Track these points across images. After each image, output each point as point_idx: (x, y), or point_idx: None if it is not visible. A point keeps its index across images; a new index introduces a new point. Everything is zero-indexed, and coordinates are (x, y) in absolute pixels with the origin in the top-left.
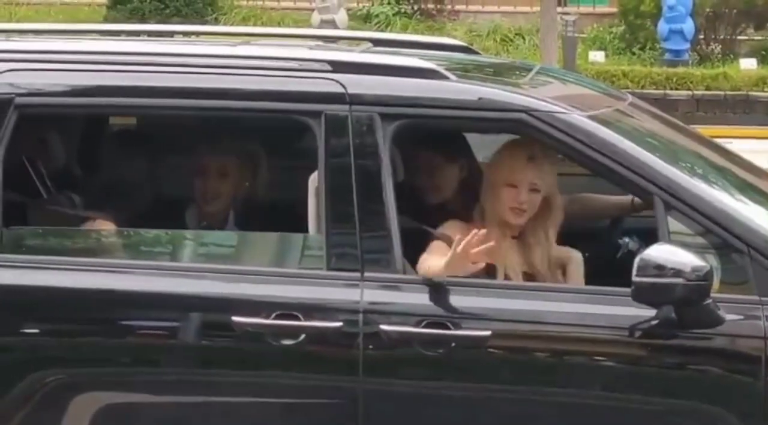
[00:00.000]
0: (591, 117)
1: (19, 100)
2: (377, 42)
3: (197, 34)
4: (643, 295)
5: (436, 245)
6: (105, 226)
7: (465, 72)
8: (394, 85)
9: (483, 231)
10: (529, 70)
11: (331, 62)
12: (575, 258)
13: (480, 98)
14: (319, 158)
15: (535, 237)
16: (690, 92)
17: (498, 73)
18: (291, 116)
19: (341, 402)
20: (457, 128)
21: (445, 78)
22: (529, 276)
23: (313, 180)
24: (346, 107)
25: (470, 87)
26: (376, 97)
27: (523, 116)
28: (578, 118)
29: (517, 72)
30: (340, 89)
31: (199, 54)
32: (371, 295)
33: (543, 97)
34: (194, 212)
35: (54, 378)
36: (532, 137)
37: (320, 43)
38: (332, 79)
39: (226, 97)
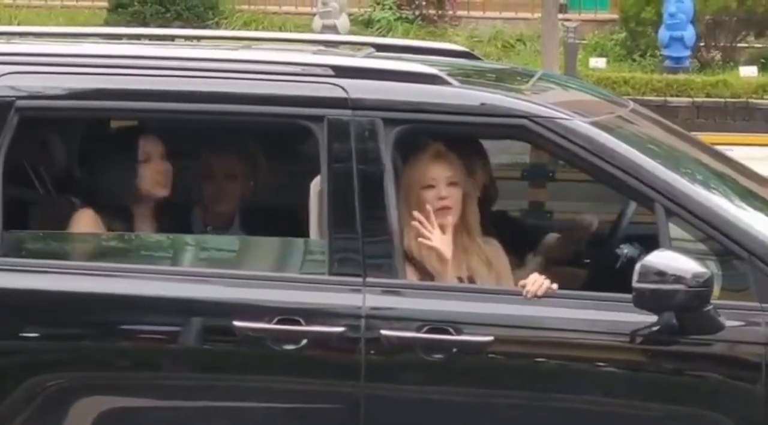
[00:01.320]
0: (593, 123)
1: (19, 103)
2: (379, 47)
3: (198, 38)
4: (644, 301)
5: None
6: (86, 216)
7: (467, 78)
8: (396, 90)
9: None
10: (531, 76)
11: (333, 67)
12: (496, 248)
13: (482, 104)
14: (321, 162)
15: (461, 240)
16: (690, 99)
17: (500, 79)
18: (293, 120)
19: (343, 407)
20: (459, 133)
21: (447, 83)
22: (469, 279)
23: (315, 185)
24: (349, 111)
25: (472, 93)
26: (378, 103)
27: (525, 121)
28: (580, 124)
29: (519, 78)
30: (343, 94)
31: (201, 58)
32: (373, 300)
33: (545, 103)
34: (199, 215)
35: (55, 381)
36: (534, 143)
37: (322, 47)
38: (334, 84)
39: (228, 102)
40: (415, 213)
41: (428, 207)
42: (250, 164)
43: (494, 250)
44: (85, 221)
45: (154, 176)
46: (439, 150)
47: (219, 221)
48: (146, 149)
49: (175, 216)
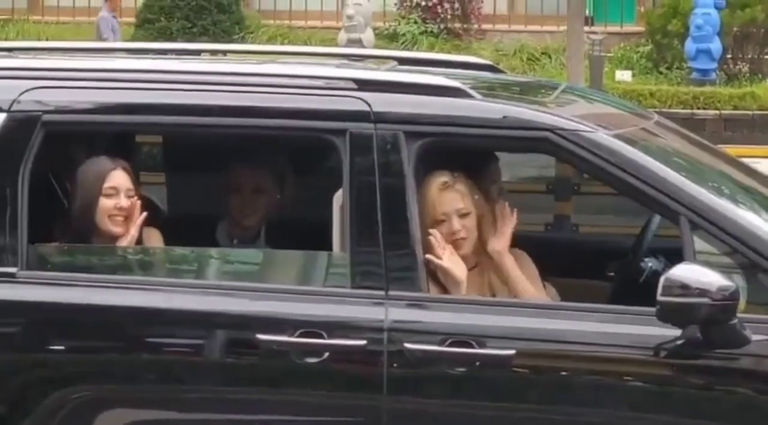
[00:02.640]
0: (616, 136)
1: (46, 117)
2: (402, 61)
3: (224, 52)
4: (669, 315)
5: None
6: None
7: (490, 91)
8: (419, 103)
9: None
10: (555, 88)
11: (356, 80)
12: (524, 259)
13: (505, 117)
14: (343, 176)
15: (480, 259)
16: (717, 112)
17: (523, 91)
18: (316, 134)
19: (365, 421)
20: (482, 146)
21: (470, 97)
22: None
23: (338, 198)
24: (371, 125)
25: (495, 106)
26: (400, 116)
27: (549, 134)
28: (604, 137)
29: (543, 91)
30: (365, 108)
31: (225, 72)
32: (396, 313)
33: (568, 115)
34: (225, 228)
35: (80, 395)
36: (557, 156)
37: (345, 61)
38: (357, 98)
39: (252, 115)
40: (430, 231)
41: (433, 232)
42: (277, 177)
43: (523, 261)
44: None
45: (112, 212)
46: (446, 182)
47: (245, 235)
48: (114, 183)
49: (201, 230)
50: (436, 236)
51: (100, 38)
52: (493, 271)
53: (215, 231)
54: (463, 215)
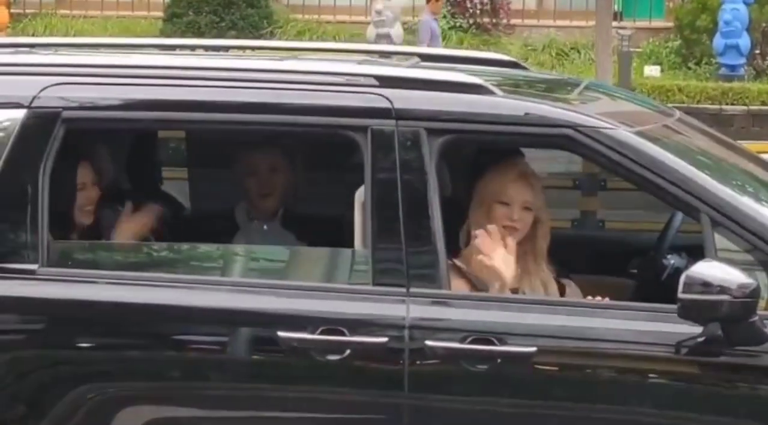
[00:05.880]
0: (638, 133)
1: (66, 113)
2: (425, 57)
3: (252, 48)
4: (689, 312)
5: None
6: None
7: (512, 87)
8: (440, 100)
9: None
10: (577, 85)
11: (377, 77)
12: (573, 289)
13: (526, 114)
14: (365, 172)
15: (523, 261)
16: (746, 107)
17: (545, 88)
18: (337, 130)
19: (386, 418)
20: (504, 143)
21: (492, 93)
22: None
23: (360, 195)
24: (393, 121)
25: (517, 102)
26: (422, 112)
27: (570, 131)
28: (625, 134)
29: (565, 87)
30: (387, 104)
31: (247, 68)
32: (417, 310)
33: (590, 112)
34: (244, 208)
35: (100, 392)
36: (579, 153)
37: (367, 57)
38: (379, 94)
39: (273, 112)
40: (479, 232)
41: (489, 227)
42: (292, 162)
43: (571, 291)
44: None
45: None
46: (525, 171)
47: (262, 216)
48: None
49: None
50: (493, 232)
51: (419, 42)
52: (535, 277)
53: (234, 212)
54: (525, 208)
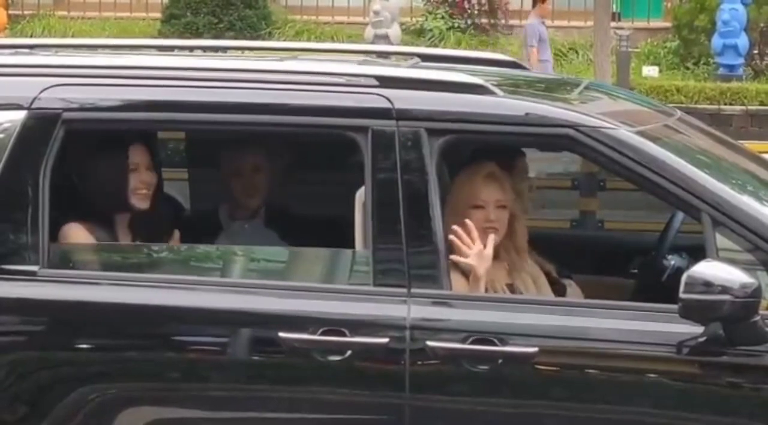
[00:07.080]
0: (639, 133)
1: (66, 115)
2: (425, 57)
3: (251, 49)
4: (691, 312)
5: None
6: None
7: (512, 87)
8: (441, 100)
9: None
10: (577, 85)
11: (377, 77)
12: (573, 289)
13: (527, 114)
14: (365, 173)
15: (509, 258)
16: (744, 107)
17: (546, 88)
18: (337, 131)
19: (387, 419)
20: (504, 143)
21: (492, 93)
22: None
23: (360, 195)
24: (393, 122)
25: (517, 102)
26: (422, 113)
27: (570, 131)
28: (626, 133)
29: (565, 87)
30: (387, 105)
31: (246, 69)
32: (418, 311)
33: (590, 112)
34: (226, 210)
35: (100, 393)
36: (579, 153)
37: (367, 58)
38: (379, 95)
39: (273, 112)
40: (454, 228)
41: (469, 223)
42: (276, 158)
43: (572, 291)
44: (74, 233)
45: (137, 185)
46: (493, 172)
47: (246, 215)
48: (134, 159)
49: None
50: (469, 228)
51: (527, 46)
52: (522, 271)
53: (218, 213)
54: (500, 207)
